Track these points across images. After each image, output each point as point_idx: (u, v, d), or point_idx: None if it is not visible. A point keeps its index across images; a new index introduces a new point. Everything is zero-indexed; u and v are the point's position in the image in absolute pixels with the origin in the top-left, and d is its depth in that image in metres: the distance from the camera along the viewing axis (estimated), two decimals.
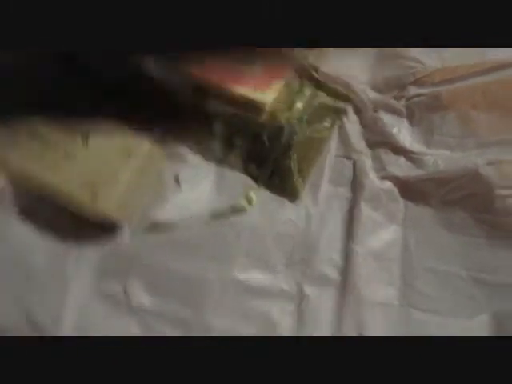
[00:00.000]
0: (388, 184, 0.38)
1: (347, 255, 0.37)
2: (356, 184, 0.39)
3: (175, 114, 0.39)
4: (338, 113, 0.41)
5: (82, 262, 0.37)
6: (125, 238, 0.37)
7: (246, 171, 0.40)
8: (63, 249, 0.37)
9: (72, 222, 0.38)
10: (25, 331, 0.35)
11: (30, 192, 0.37)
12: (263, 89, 0.37)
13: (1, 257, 0.37)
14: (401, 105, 0.39)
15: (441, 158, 0.37)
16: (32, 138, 0.36)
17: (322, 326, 0.36)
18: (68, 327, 0.35)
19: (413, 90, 0.39)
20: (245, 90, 0.37)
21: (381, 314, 0.36)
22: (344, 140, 0.40)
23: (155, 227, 0.38)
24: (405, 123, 0.39)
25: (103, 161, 0.35)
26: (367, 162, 0.39)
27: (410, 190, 0.38)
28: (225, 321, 0.35)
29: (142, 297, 0.36)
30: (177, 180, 0.39)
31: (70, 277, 0.37)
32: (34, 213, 0.38)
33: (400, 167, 0.38)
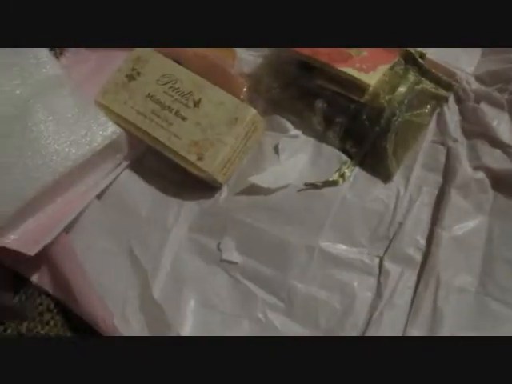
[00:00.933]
0: (480, 174, 0.40)
1: (431, 238, 0.38)
2: (448, 171, 0.40)
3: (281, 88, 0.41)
4: (439, 100, 0.42)
5: (181, 215, 0.41)
6: (223, 197, 0.40)
7: (343, 148, 0.42)
8: (166, 201, 0.42)
9: (176, 177, 0.42)
10: (127, 266, 0.39)
11: (142, 146, 0.42)
12: (368, 70, 0.39)
13: (111, 204, 0.41)
14: (503, 98, 0.40)
15: None
16: (148, 99, 0.39)
17: (399, 303, 0.37)
18: (164, 269, 0.39)
19: None
20: (350, 70, 0.39)
21: (456, 298, 0.37)
22: (441, 127, 0.42)
23: (252, 191, 0.41)
24: (506, 117, 0.40)
25: (211, 124, 0.38)
26: (462, 151, 0.40)
27: (501, 182, 0.39)
28: (306, 285, 0.38)
29: (232, 253, 0.40)
30: (276, 149, 0.42)
31: (169, 227, 0.41)
32: (142, 165, 0.43)
33: (495, 159, 0.39)
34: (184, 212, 0.41)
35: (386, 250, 0.39)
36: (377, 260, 0.39)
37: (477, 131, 0.40)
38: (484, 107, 0.40)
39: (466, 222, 0.39)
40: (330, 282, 0.38)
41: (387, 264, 0.39)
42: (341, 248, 0.39)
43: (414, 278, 0.38)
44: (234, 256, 0.40)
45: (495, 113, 0.40)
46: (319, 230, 0.40)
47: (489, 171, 0.39)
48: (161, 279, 0.39)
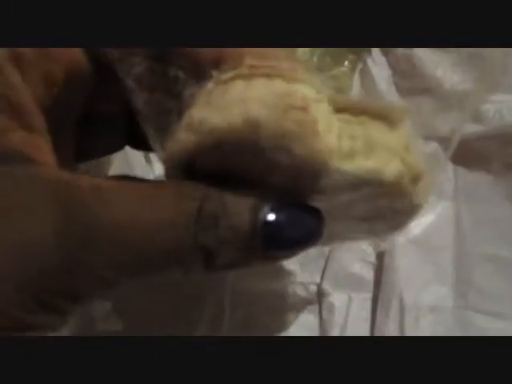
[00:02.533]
0: (433, 146, 0.34)
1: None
2: None
3: None
4: (359, 52, 0.37)
5: None
6: None
7: None
8: None
9: None
10: None
11: None
12: None
13: None
14: None
15: (506, 107, 0.33)
16: None
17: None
18: None
19: None
20: None
21: (430, 321, 0.32)
22: (368, 88, 0.36)
23: None
24: (452, 60, 0.34)
25: None
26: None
27: (462, 152, 0.34)
28: None
29: None
30: None
31: None
32: None
33: (448, 121, 0.34)
34: None
35: (323, 273, 0.33)
36: (314, 288, 0.33)
37: (417, 87, 0.35)
38: (420, 52, 0.35)
39: (424, 215, 0.34)
40: (253, 333, 0.33)
41: (328, 292, 0.33)
42: (260, 283, 0.33)
43: (368, 306, 0.33)
44: None
45: (437, 57, 0.34)
46: None
47: (443, 140, 0.34)
48: None
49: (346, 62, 0.37)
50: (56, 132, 0.21)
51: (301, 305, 0.34)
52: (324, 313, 0.33)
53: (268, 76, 0.18)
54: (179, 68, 0.20)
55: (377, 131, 0.20)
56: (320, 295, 0.34)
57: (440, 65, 0.34)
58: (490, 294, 0.32)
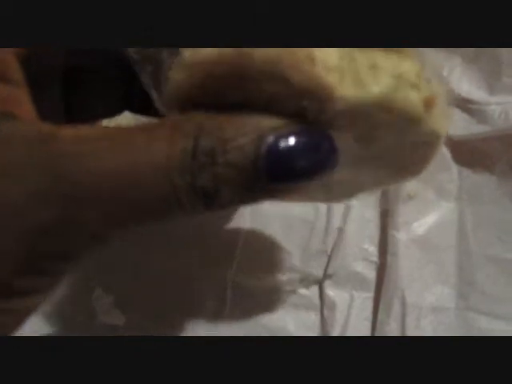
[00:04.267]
0: None
1: (385, 245, 0.34)
2: None
3: None
4: None
5: None
6: None
7: None
8: None
9: None
10: None
11: None
12: None
13: None
14: None
15: (511, 108, 0.33)
16: None
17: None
18: None
19: None
20: None
21: (432, 321, 0.32)
22: None
23: None
24: (458, 60, 0.34)
25: None
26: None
27: (466, 152, 0.34)
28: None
29: None
30: None
31: None
32: None
33: (453, 122, 0.34)
34: None
35: (325, 271, 0.33)
36: (315, 287, 0.33)
37: None
38: (426, 52, 0.33)
39: (428, 215, 0.34)
40: (254, 328, 0.33)
41: (330, 290, 0.33)
42: (261, 278, 0.33)
43: (369, 305, 0.33)
44: None
45: (443, 57, 0.34)
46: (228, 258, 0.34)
47: (447, 140, 0.34)
48: None
49: None
50: (36, 84, 0.20)
51: (302, 303, 0.33)
52: (325, 311, 0.33)
53: None
54: None
55: (384, 59, 0.18)
56: (321, 293, 0.33)
57: (445, 66, 0.34)
58: (492, 296, 0.32)
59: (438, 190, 0.34)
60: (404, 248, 0.33)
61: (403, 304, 0.32)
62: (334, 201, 0.32)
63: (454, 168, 0.34)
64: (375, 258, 0.34)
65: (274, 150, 0.16)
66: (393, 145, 0.21)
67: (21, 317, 0.19)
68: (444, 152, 0.34)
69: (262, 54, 0.16)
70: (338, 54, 0.17)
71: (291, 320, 0.33)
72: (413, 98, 0.18)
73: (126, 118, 0.29)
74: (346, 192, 0.26)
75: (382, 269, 0.33)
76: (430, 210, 0.34)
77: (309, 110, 0.17)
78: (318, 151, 0.17)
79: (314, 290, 0.34)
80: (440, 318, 0.32)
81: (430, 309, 0.32)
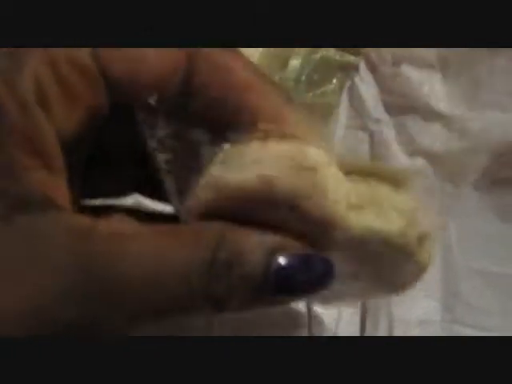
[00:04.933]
0: (419, 161, 0.35)
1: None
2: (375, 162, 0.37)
3: None
4: (347, 69, 0.37)
5: None
6: None
7: None
8: None
9: None
10: None
11: None
12: None
13: None
14: (430, 54, 0.35)
15: (491, 124, 0.33)
16: None
17: None
18: None
19: None
20: None
21: (419, 334, 0.32)
22: (357, 106, 0.37)
23: None
24: (438, 77, 0.35)
25: None
26: (389, 133, 0.35)
27: (448, 167, 0.34)
28: None
29: None
30: None
31: None
32: None
33: (434, 137, 0.34)
34: None
35: None
36: (303, 303, 0.33)
37: (404, 104, 0.36)
38: (407, 70, 0.35)
39: None
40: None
41: (317, 307, 0.32)
42: None
43: (356, 320, 0.33)
44: None
45: (423, 75, 0.35)
46: None
47: (429, 155, 0.34)
48: None
49: (335, 80, 0.37)
50: (69, 171, 0.21)
51: (290, 319, 0.33)
52: (313, 328, 0.33)
53: (282, 137, 0.19)
54: (200, 131, 0.21)
55: (384, 192, 0.21)
56: (309, 310, 0.33)
57: (426, 82, 0.35)
58: (477, 308, 0.32)
59: (422, 204, 0.35)
60: None
61: (390, 318, 0.32)
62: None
63: (437, 183, 0.34)
64: None
65: (281, 267, 0.18)
66: (382, 268, 0.23)
67: None
68: (426, 167, 0.34)
69: (283, 184, 0.18)
70: (346, 186, 0.20)
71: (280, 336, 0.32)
72: (410, 235, 0.21)
73: (134, 200, 0.29)
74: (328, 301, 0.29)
75: None
76: None
77: (314, 234, 0.19)
78: (317, 271, 0.19)
79: (302, 307, 0.33)
80: (427, 332, 0.32)
81: (416, 322, 0.32)
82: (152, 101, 0.21)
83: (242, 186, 0.19)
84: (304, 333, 0.33)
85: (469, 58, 0.34)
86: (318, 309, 0.33)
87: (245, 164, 0.19)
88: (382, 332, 0.32)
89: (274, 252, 0.18)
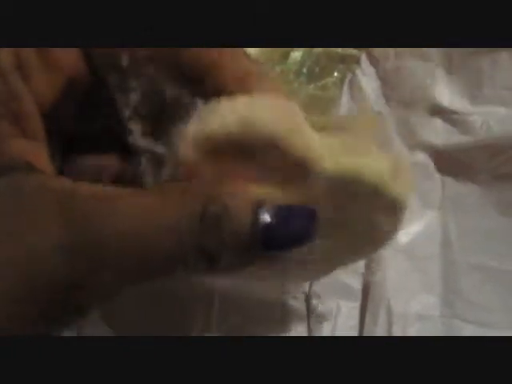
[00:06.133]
0: (420, 156, 0.35)
1: (369, 256, 0.34)
2: None
3: None
4: (349, 62, 0.37)
5: None
6: None
7: None
8: None
9: None
10: None
11: None
12: None
13: None
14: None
15: (493, 119, 0.33)
16: None
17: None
18: None
19: None
20: None
21: (417, 329, 0.32)
22: (358, 99, 0.37)
23: None
24: (441, 72, 0.35)
25: None
26: (390, 128, 0.35)
27: (450, 162, 0.34)
28: None
29: None
30: None
31: None
32: None
33: (436, 133, 0.34)
34: None
35: (311, 282, 0.33)
36: (302, 297, 0.33)
37: (406, 98, 0.35)
38: (409, 63, 0.35)
39: (412, 225, 0.34)
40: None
41: (317, 300, 0.33)
42: (247, 292, 0.33)
43: (356, 314, 0.33)
44: None
45: (426, 69, 0.35)
46: None
47: (431, 150, 0.34)
48: None
49: (336, 73, 0.37)
50: (50, 142, 0.21)
51: (289, 314, 0.33)
52: (312, 321, 0.33)
53: (251, 92, 0.20)
54: (173, 91, 0.21)
55: (353, 137, 0.22)
56: (308, 304, 0.33)
57: (428, 76, 0.35)
58: (477, 304, 0.32)
59: (422, 199, 0.34)
60: (389, 257, 0.33)
61: (389, 313, 0.32)
62: (312, 279, 0.32)
63: (437, 177, 0.35)
64: (361, 269, 0.33)
65: (266, 224, 0.19)
66: (364, 213, 0.23)
67: None
68: (427, 162, 0.34)
69: (262, 126, 0.19)
70: (319, 135, 0.20)
71: (279, 333, 0.33)
72: (382, 169, 0.21)
73: None
74: (324, 268, 0.29)
75: (367, 279, 0.33)
76: (414, 219, 0.34)
77: (293, 177, 0.20)
78: (303, 222, 0.20)
79: (301, 301, 0.33)
80: (426, 326, 0.33)
81: (415, 317, 0.33)
82: (124, 62, 0.21)
83: (222, 132, 0.19)
84: (303, 327, 0.33)
85: (471, 53, 0.34)
86: (317, 302, 0.33)
87: (222, 114, 0.19)
88: (381, 327, 0.32)
89: (259, 205, 0.19)
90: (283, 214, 0.19)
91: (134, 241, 0.18)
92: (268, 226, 0.19)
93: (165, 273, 0.19)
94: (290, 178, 0.20)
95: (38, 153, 0.20)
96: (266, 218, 0.19)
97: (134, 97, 0.22)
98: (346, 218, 0.23)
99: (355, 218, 0.23)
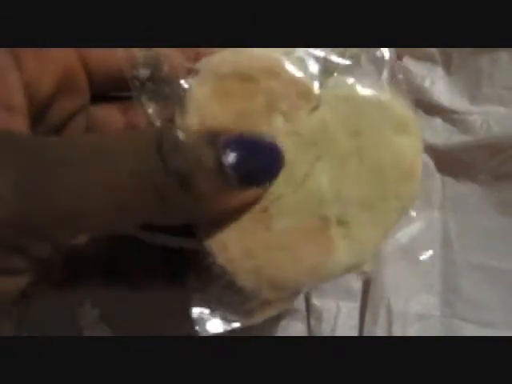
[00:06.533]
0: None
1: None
2: None
3: None
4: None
5: None
6: None
7: None
8: None
9: None
10: None
11: None
12: None
13: None
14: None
15: (493, 118, 0.32)
16: None
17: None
18: None
19: None
20: None
21: (417, 329, 0.32)
22: None
23: None
24: (440, 72, 0.34)
25: None
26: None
27: (449, 162, 0.34)
28: None
29: None
30: None
31: None
32: None
33: (436, 132, 0.34)
34: None
35: None
36: (302, 297, 0.33)
37: (406, 98, 0.33)
38: (409, 63, 0.34)
39: (412, 224, 0.34)
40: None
41: (316, 301, 0.33)
42: None
43: (356, 314, 0.33)
44: None
45: (425, 68, 0.34)
46: None
47: (430, 150, 0.34)
48: None
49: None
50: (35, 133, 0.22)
51: (289, 313, 0.33)
52: (312, 321, 0.33)
53: None
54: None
55: None
56: (308, 304, 0.33)
57: (428, 76, 0.34)
58: (477, 303, 0.32)
59: (422, 199, 0.34)
60: (389, 257, 0.33)
61: (389, 313, 0.32)
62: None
63: (438, 177, 0.34)
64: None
65: (230, 155, 0.19)
66: (379, 136, 0.23)
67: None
68: (427, 161, 0.34)
69: (255, 66, 0.21)
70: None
71: (279, 331, 0.32)
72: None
73: None
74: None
75: (367, 279, 0.33)
76: (414, 219, 0.33)
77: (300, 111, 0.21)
78: (266, 152, 0.20)
79: (301, 300, 0.33)
80: (426, 326, 0.32)
81: (415, 317, 0.32)
82: None
83: (227, 67, 0.21)
84: (303, 327, 0.33)
85: (471, 53, 0.33)
86: (317, 303, 0.33)
87: (218, 74, 0.21)
88: (381, 327, 0.32)
89: (216, 135, 0.19)
90: (244, 143, 0.19)
91: (98, 165, 0.18)
92: (232, 156, 0.19)
93: (134, 201, 0.19)
94: (295, 109, 0.21)
95: (16, 125, 0.20)
96: (227, 149, 0.19)
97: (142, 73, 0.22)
98: (364, 145, 0.23)
99: (373, 142, 0.23)
